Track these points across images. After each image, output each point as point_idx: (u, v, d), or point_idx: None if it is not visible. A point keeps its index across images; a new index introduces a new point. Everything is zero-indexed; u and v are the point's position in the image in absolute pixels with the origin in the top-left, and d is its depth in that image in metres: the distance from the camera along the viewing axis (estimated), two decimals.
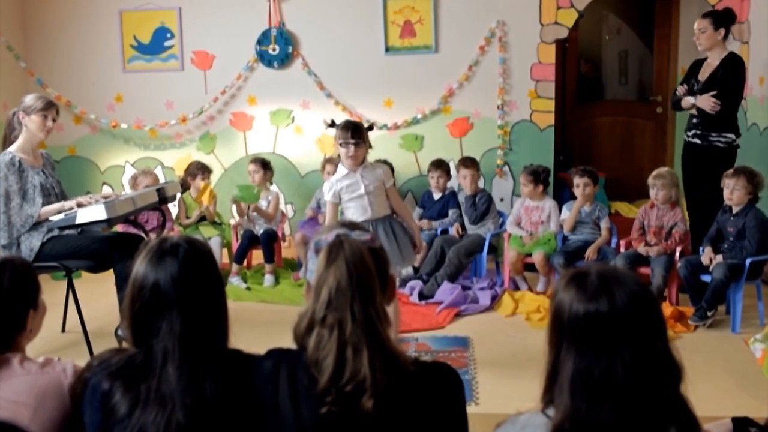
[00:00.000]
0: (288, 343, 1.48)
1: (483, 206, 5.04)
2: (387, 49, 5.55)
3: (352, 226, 1.55)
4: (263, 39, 5.59)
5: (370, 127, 3.67)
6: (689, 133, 4.65)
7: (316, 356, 1.39)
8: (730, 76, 4.51)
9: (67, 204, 3.70)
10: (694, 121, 4.60)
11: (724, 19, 4.52)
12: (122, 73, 5.76)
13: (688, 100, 4.58)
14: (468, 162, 5.14)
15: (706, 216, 4.48)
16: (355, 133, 3.47)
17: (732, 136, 4.53)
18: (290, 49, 5.59)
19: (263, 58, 5.62)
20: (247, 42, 5.60)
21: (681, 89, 4.69)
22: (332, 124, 3.60)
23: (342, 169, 3.56)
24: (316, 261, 1.47)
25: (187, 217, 5.38)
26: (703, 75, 4.61)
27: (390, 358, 1.39)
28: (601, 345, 1.25)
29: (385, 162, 5.10)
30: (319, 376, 1.37)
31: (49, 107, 3.74)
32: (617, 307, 1.26)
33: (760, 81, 5.08)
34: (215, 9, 5.64)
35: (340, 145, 3.49)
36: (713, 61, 4.59)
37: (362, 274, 1.40)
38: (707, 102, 4.46)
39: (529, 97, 5.51)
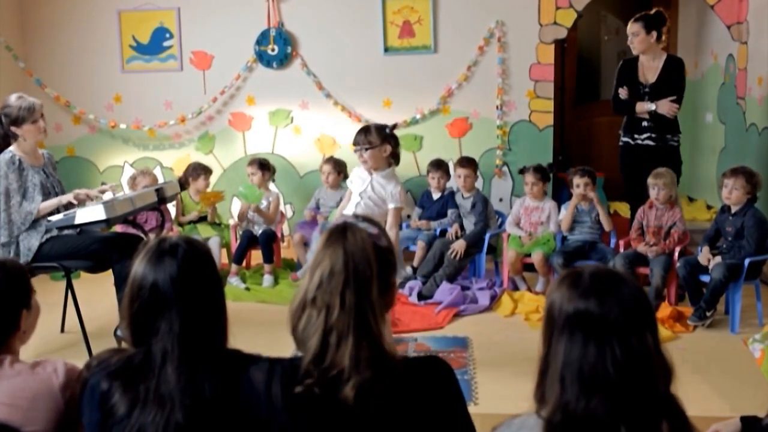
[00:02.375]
0: (287, 342, 1.48)
1: (482, 208, 5.03)
2: (386, 50, 5.55)
3: (365, 219, 1.53)
4: (262, 39, 5.59)
5: (394, 126, 3.64)
6: (640, 137, 4.65)
7: (304, 336, 1.39)
8: (680, 79, 4.60)
9: (64, 198, 3.69)
10: (645, 124, 4.61)
11: (654, 22, 4.57)
12: (121, 74, 5.75)
13: (645, 106, 4.57)
14: (464, 162, 5.12)
15: None
16: (359, 137, 3.47)
17: (680, 135, 4.67)
18: (289, 50, 5.59)
19: (262, 58, 5.61)
20: (245, 42, 5.60)
21: (623, 92, 4.68)
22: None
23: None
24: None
25: (183, 215, 5.38)
26: (646, 78, 4.64)
27: (378, 353, 1.38)
28: (590, 339, 1.27)
29: None
30: (304, 355, 1.38)
31: (35, 112, 3.68)
32: (607, 307, 1.27)
33: (759, 81, 5.08)
34: (214, 9, 5.64)
35: (355, 151, 3.53)
36: (651, 63, 4.63)
37: (360, 263, 1.39)
38: (670, 108, 4.51)
39: (528, 97, 5.51)
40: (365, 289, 1.39)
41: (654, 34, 4.55)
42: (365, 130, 3.50)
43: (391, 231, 3.50)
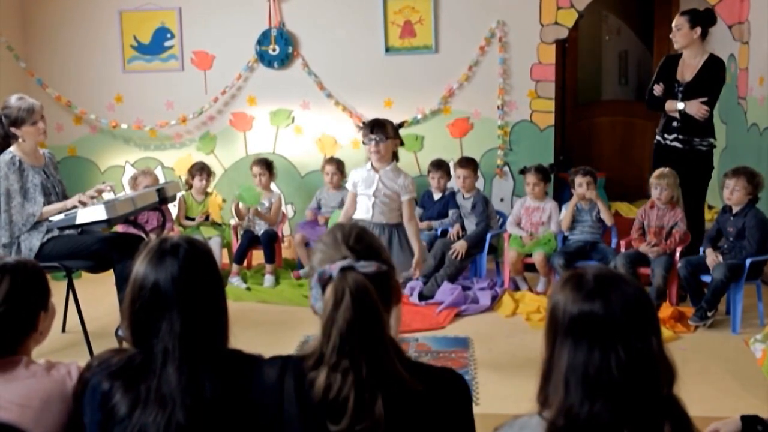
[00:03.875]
0: (288, 342, 1.48)
1: (483, 208, 5.02)
2: (387, 50, 5.55)
3: (361, 254, 1.46)
4: (263, 39, 5.59)
5: (401, 125, 3.63)
6: (669, 137, 4.57)
7: (327, 397, 1.37)
8: (716, 81, 4.49)
9: (69, 203, 3.69)
10: (674, 124, 4.53)
11: (701, 19, 4.48)
12: (122, 74, 5.76)
13: (674, 105, 4.48)
14: (463, 162, 5.11)
15: (694, 217, 4.52)
16: (375, 128, 3.45)
17: (712, 139, 4.55)
18: (290, 50, 5.59)
19: (263, 58, 5.62)
20: (247, 42, 5.60)
21: (658, 89, 4.57)
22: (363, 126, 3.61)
23: (369, 164, 3.55)
24: (319, 290, 1.43)
25: (187, 218, 5.38)
26: (683, 76, 4.54)
27: (400, 389, 1.38)
28: (595, 343, 1.26)
29: None
30: (335, 416, 1.36)
31: (35, 113, 3.68)
32: (612, 309, 1.27)
33: (760, 81, 5.08)
34: (215, 9, 5.64)
35: (363, 143, 3.50)
36: (692, 61, 4.53)
37: (369, 312, 1.38)
38: (699, 110, 4.41)
39: (529, 97, 5.51)
40: (378, 332, 1.39)
41: (698, 30, 4.43)
42: (380, 123, 3.50)
43: (410, 223, 3.52)
